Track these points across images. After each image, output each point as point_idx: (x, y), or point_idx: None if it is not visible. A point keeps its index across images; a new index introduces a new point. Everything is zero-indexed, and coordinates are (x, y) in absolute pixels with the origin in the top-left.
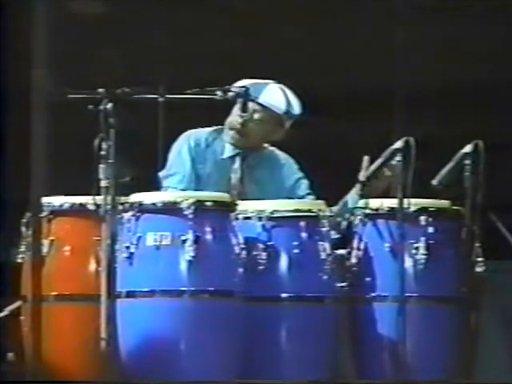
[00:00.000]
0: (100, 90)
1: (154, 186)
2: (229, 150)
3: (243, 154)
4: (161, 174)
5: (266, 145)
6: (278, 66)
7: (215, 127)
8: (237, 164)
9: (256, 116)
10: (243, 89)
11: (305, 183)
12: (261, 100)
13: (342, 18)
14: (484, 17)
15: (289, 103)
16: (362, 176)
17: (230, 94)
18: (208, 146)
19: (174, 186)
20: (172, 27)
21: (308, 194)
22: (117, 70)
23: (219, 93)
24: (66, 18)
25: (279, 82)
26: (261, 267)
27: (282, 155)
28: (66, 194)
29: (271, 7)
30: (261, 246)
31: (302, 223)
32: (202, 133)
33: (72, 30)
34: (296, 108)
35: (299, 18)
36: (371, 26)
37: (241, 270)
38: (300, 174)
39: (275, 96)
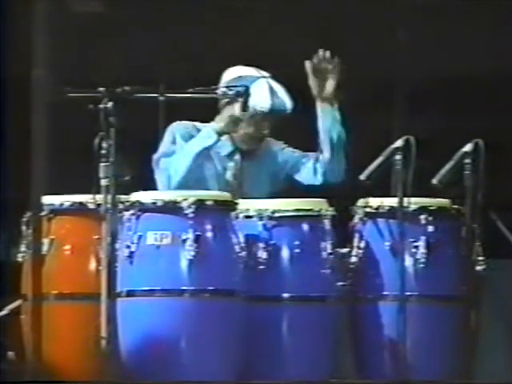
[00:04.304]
0: (100, 89)
1: (155, 184)
2: (226, 147)
3: (242, 149)
4: (155, 156)
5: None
6: (278, 65)
7: (203, 124)
8: (237, 159)
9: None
10: (243, 88)
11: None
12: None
13: (341, 16)
14: (485, 16)
15: (273, 100)
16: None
17: (231, 92)
18: (194, 134)
19: (175, 166)
20: (172, 27)
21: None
22: (117, 70)
23: (219, 92)
24: (66, 18)
25: (271, 76)
26: (262, 266)
27: (277, 142)
28: (66, 193)
29: (271, 6)
30: (262, 245)
31: (304, 222)
32: (185, 124)
33: (72, 29)
34: (283, 105)
35: (299, 16)
36: (372, 25)
37: (241, 269)
38: (300, 152)
39: (260, 93)
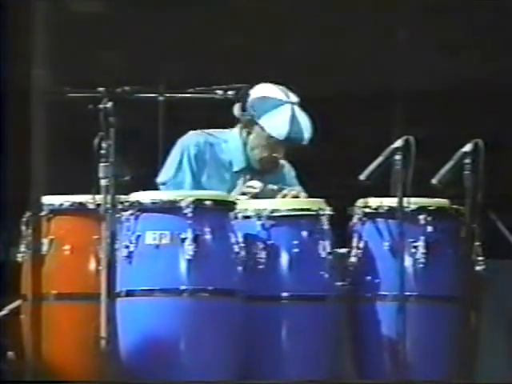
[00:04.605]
0: (100, 88)
1: (154, 184)
2: (239, 163)
3: (253, 166)
4: (159, 179)
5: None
6: (278, 64)
7: (216, 130)
8: (247, 176)
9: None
10: (243, 87)
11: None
12: (261, 121)
13: (341, 18)
14: (484, 17)
15: (291, 129)
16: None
17: (230, 93)
18: (209, 151)
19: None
20: (172, 27)
21: None
22: (117, 70)
23: (219, 92)
24: (66, 18)
25: (300, 104)
26: (261, 266)
27: (291, 169)
28: (65, 193)
29: (271, 6)
30: (261, 245)
31: (302, 222)
32: (202, 138)
33: (72, 29)
34: (300, 135)
35: (299, 17)
36: (371, 26)
37: (240, 268)
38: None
39: (280, 120)
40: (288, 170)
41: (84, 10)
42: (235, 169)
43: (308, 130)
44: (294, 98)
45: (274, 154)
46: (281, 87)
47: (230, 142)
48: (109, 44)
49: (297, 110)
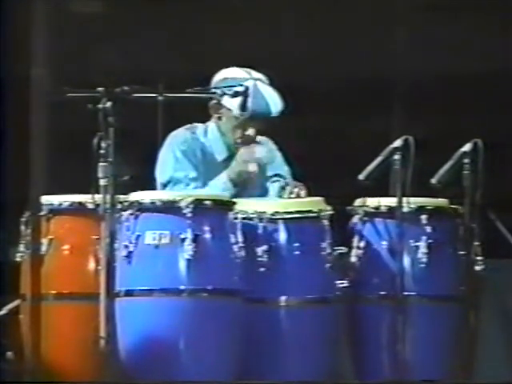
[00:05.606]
0: (99, 88)
1: (154, 184)
2: (222, 152)
3: (234, 153)
4: (160, 181)
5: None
6: (278, 64)
7: (192, 125)
8: (232, 163)
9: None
10: (243, 88)
11: (279, 161)
12: (225, 101)
13: (341, 17)
14: (484, 15)
15: (253, 103)
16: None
17: (230, 92)
18: (198, 146)
19: (191, 184)
20: (172, 27)
21: (276, 175)
22: (116, 70)
23: (219, 92)
24: (65, 18)
25: (261, 78)
26: (262, 269)
27: (272, 145)
28: (65, 193)
29: (271, 5)
30: (262, 247)
31: (303, 224)
32: (188, 133)
33: (72, 29)
34: (266, 108)
35: (298, 15)
36: (371, 24)
37: (240, 268)
38: (277, 154)
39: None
40: (271, 146)
41: (84, 9)
42: (219, 159)
43: (275, 102)
44: (256, 75)
45: (247, 133)
46: (245, 68)
47: (208, 134)
48: (109, 44)
49: (260, 84)
